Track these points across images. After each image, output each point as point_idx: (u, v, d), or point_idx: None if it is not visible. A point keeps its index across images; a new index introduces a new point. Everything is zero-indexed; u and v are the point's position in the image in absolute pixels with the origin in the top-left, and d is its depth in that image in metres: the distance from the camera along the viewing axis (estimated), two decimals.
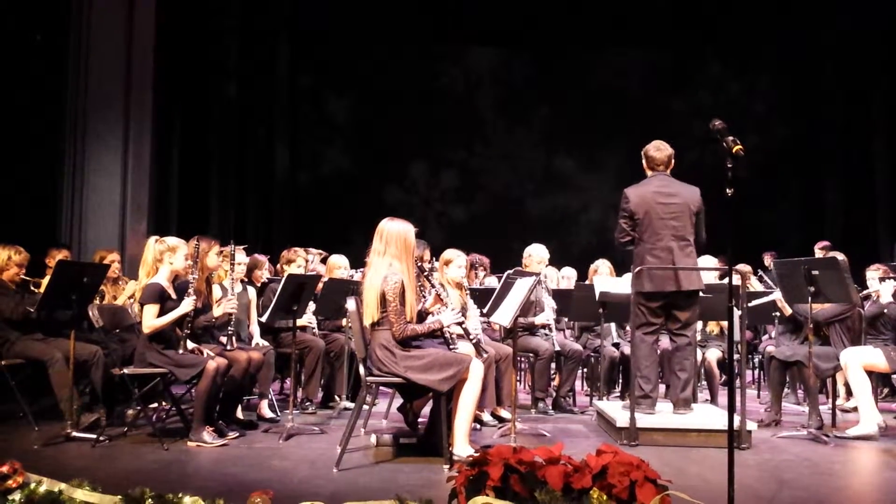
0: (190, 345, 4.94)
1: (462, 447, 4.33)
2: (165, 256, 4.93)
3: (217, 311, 5.19)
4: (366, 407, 4.87)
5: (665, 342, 6.21)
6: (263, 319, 5.86)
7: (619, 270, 7.08)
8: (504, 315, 5.10)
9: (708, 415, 5.39)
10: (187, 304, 4.84)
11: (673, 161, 5.42)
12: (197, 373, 4.79)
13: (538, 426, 5.60)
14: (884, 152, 11.50)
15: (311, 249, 7.27)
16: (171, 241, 5.02)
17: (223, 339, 5.27)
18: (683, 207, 5.27)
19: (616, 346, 6.85)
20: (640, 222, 5.30)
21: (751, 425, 5.06)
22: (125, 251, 7.73)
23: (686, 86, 13.30)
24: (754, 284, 7.46)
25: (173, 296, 4.93)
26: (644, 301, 5.26)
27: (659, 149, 5.39)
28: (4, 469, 3.21)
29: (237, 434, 5.02)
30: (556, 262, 7.57)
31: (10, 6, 7.47)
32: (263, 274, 6.52)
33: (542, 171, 13.49)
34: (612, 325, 6.97)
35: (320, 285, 6.13)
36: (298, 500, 3.22)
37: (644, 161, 5.46)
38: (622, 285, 6.13)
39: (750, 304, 6.34)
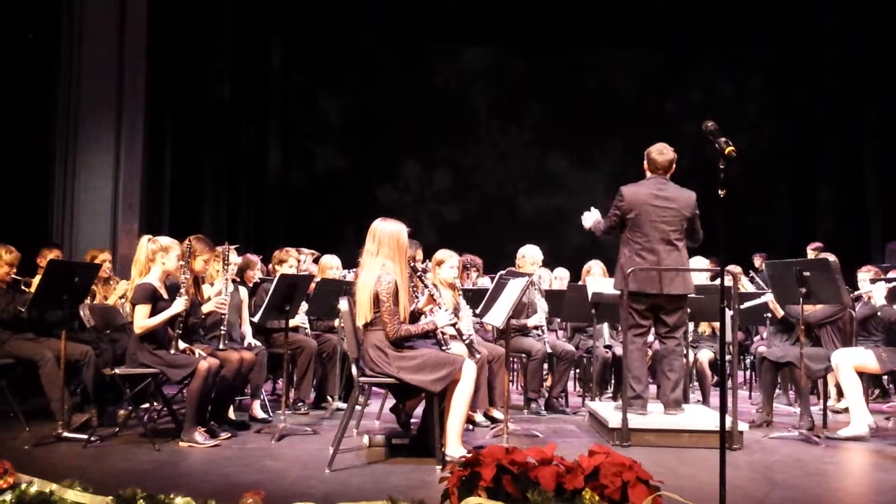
0: (181, 345, 4.93)
1: (454, 448, 4.32)
2: (158, 256, 4.91)
3: (206, 308, 5.19)
4: (358, 407, 4.87)
5: (656, 344, 6.22)
6: (255, 320, 5.84)
7: (612, 271, 7.09)
8: (497, 316, 5.10)
9: (700, 415, 5.40)
10: (179, 305, 4.83)
11: (674, 166, 5.42)
12: (188, 373, 4.77)
13: (530, 427, 5.61)
14: (875, 154, 11.55)
15: (304, 249, 7.26)
16: (164, 240, 5.00)
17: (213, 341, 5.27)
18: (676, 213, 5.28)
19: (608, 347, 6.85)
20: (630, 221, 5.32)
21: (742, 426, 5.08)
22: (117, 251, 7.70)
23: (679, 87, 13.33)
24: (745, 285, 7.49)
25: (165, 296, 4.91)
26: (632, 303, 5.28)
27: (662, 153, 5.39)
28: None
29: (229, 434, 5.00)
30: (549, 262, 7.57)
31: (1, 3, 7.44)
32: (255, 274, 6.50)
33: (535, 171, 13.51)
34: (605, 326, 6.98)
35: (312, 285, 6.13)
36: (291, 500, 3.23)
37: (645, 161, 5.46)
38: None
39: (742, 307, 6.36)
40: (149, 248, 4.94)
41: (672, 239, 5.28)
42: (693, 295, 6.06)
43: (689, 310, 6.12)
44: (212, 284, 5.60)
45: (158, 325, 4.81)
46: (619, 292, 5.45)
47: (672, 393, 5.31)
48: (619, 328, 6.33)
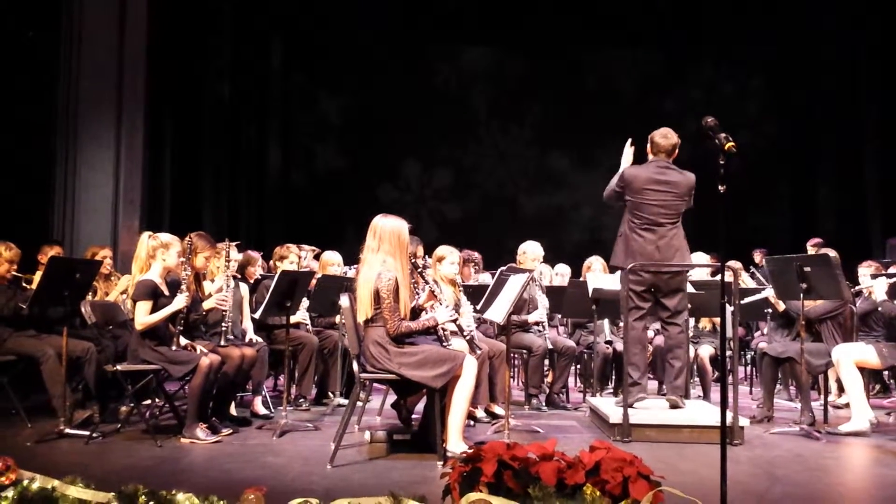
0: (183, 341, 4.93)
1: (456, 443, 4.33)
2: (158, 253, 4.92)
3: (207, 304, 5.19)
4: (359, 403, 4.88)
5: (658, 339, 6.21)
6: (257, 316, 5.84)
7: (613, 267, 7.09)
8: (497, 312, 5.10)
9: (700, 411, 5.40)
10: (180, 301, 4.83)
11: (677, 151, 5.46)
12: (190, 369, 4.78)
13: (531, 422, 5.61)
14: (875, 151, 11.55)
15: (304, 246, 7.26)
16: (165, 237, 5.00)
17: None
18: (675, 196, 5.33)
19: (609, 343, 6.86)
20: (629, 202, 5.36)
21: (743, 421, 5.08)
22: (117, 247, 7.72)
23: (679, 85, 13.33)
24: (746, 281, 7.49)
25: (166, 292, 4.92)
26: (631, 284, 5.31)
27: (665, 136, 5.42)
28: None
29: (231, 431, 5.01)
30: (550, 259, 7.57)
31: (1, 2, 7.44)
32: (256, 270, 6.51)
33: (536, 169, 13.51)
34: (605, 322, 6.98)
35: (314, 282, 6.13)
36: (292, 496, 3.21)
37: (649, 145, 5.49)
38: (615, 282, 6.14)
39: (742, 302, 6.37)
40: (149, 245, 4.94)
41: (669, 221, 5.32)
42: (692, 290, 6.07)
43: (688, 304, 6.14)
44: (212, 281, 5.61)
45: (159, 321, 4.82)
46: (618, 288, 5.46)
47: (676, 380, 5.34)
48: (620, 324, 6.34)
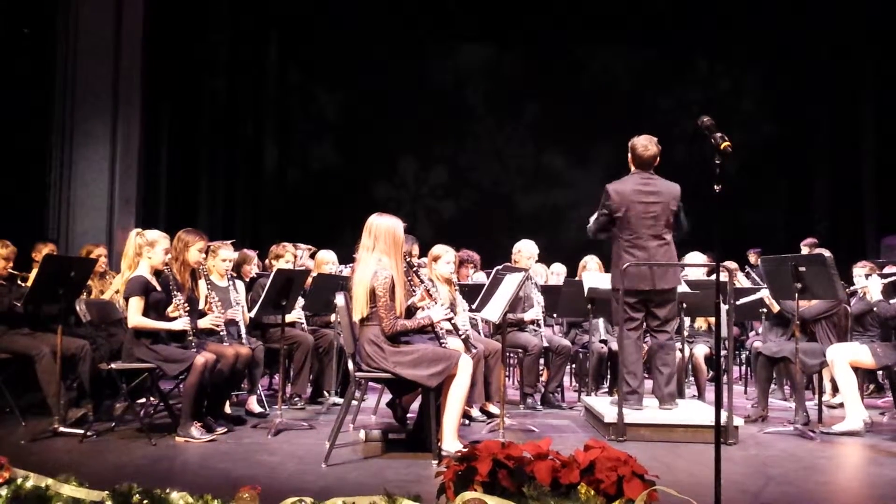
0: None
1: (451, 442, 4.33)
2: (144, 251, 4.92)
3: (203, 323, 5.15)
4: (354, 402, 4.87)
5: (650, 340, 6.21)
6: (252, 315, 5.84)
7: (608, 266, 7.10)
8: (493, 311, 5.10)
9: (695, 410, 5.42)
10: (180, 324, 4.87)
11: (658, 159, 5.41)
12: (185, 368, 4.78)
13: (526, 422, 5.62)
14: (871, 150, 11.57)
15: (300, 245, 7.25)
16: (151, 235, 5.00)
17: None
18: (663, 206, 5.28)
19: (604, 342, 6.87)
20: (619, 220, 5.32)
21: (738, 421, 5.09)
22: (113, 246, 7.70)
23: (675, 83, 13.34)
24: (741, 281, 7.51)
25: (158, 288, 4.92)
26: (624, 297, 5.29)
27: (647, 147, 5.36)
28: None
29: (225, 429, 5.00)
30: (546, 258, 7.57)
31: None
32: (252, 269, 6.50)
33: (532, 168, 13.51)
34: (601, 321, 6.99)
35: (309, 281, 6.12)
36: (287, 495, 3.21)
37: (630, 155, 5.44)
38: (610, 281, 6.14)
39: (738, 303, 6.37)
40: (136, 243, 4.96)
41: (661, 233, 5.28)
42: (688, 290, 6.08)
43: (683, 304, 6.15)
44: (207, 279, 5.54)
45: (151, 329, 4.83)
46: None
47: (666, 387, 5.32)
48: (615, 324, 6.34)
